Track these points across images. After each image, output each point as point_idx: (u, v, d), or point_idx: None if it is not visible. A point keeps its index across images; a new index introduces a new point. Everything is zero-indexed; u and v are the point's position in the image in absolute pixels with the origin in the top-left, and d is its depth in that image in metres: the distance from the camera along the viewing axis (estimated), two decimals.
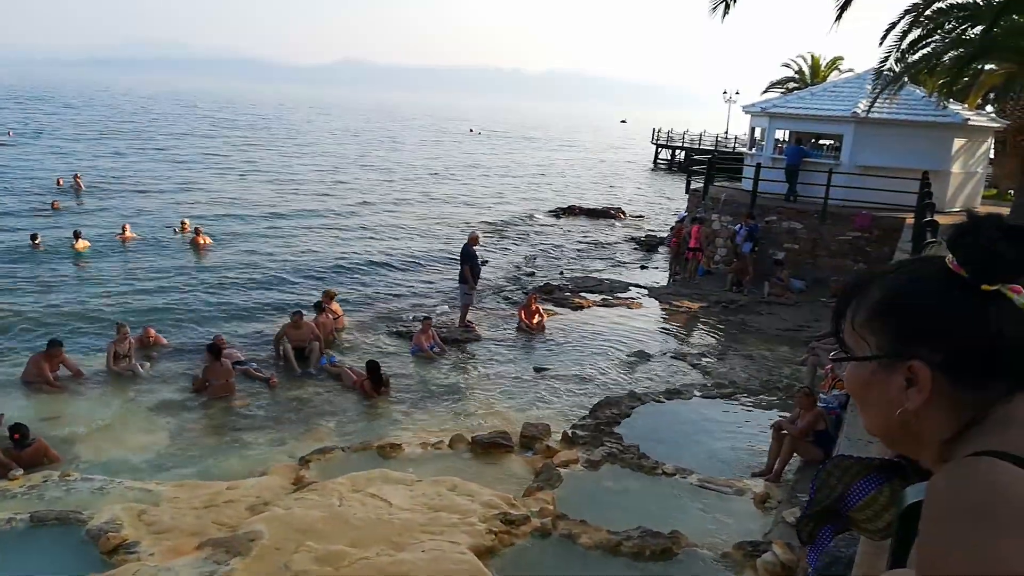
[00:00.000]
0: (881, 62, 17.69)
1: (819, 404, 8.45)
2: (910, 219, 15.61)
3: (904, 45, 17.35)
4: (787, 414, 9.40)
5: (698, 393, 11.00)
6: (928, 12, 16.86)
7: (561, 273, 19.33)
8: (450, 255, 19.45)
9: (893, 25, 17.02)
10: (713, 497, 7.87)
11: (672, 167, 56.70)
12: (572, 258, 21.80)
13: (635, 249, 23.66)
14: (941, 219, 10.98)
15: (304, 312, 12.46)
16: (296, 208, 26.78)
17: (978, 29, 17.16)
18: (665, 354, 12.87)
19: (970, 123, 19.56)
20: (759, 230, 17.94)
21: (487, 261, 15.56)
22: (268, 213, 25.28)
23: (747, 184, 19.98)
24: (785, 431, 8.38)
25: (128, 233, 19.60)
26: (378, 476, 7.69)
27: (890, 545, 1.11)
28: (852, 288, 1.15)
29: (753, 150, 22.31)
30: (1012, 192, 21.43)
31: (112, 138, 48.71)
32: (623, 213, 30.78)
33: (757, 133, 22.40)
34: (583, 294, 16.66)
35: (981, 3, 16.83)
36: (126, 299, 14.65)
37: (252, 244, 20.49)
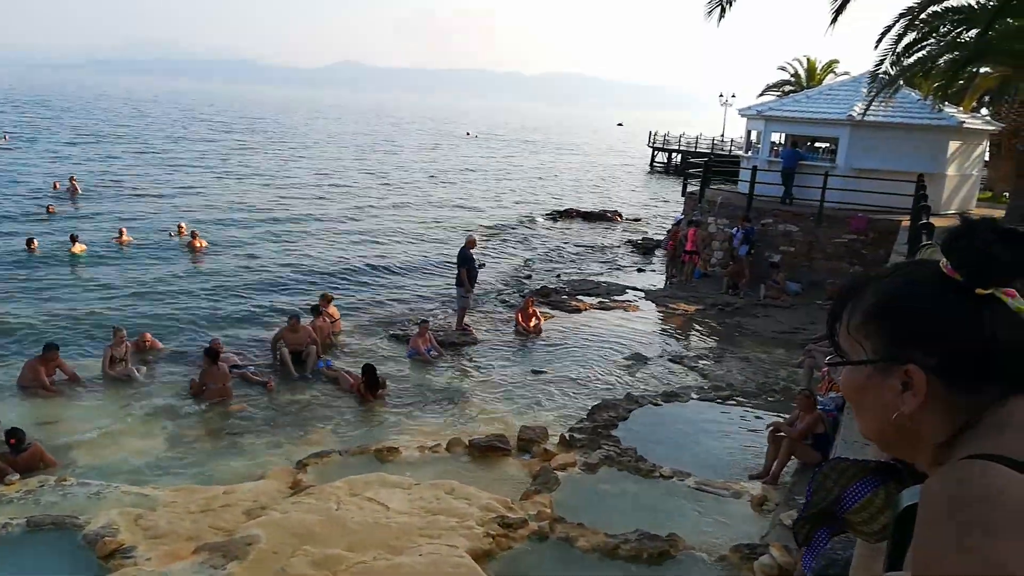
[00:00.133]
0: (876, 65, 17.75)
1: (817, 406, 8.46)
2: (906, 222, 15.66)
3: (899, 48, 17.41)
4: (785, 416, 9.41)
5: (695, 396, 11.01)
6: (923, 15, 16.92)
7: (558, 276, 19.35)
8: (447, 258, 19.45)
9: (888, 28, 17.08)
10: (710, 500, 7.87)
11: (668, 170, 56.79)
12: (569, 261, 21.81)
13: (632, 252, 23.69)
14: (936, 222, 11.00)
15: (301, 316, 12.45)
16: (293, 211, 26.76)
17: (973, 32, 17.21)
18: (662, 357, 12.88)
19: (965, 126, 19.63)
20: (755, 233, 17.97)
21: (484, 264, 15.56)
22: (265, 217, 25.25)
23: (743, 187, 20.02)
24: (782, 433, 8.39)
25: (125, 237, 19.57)
26: (375, 480, 7.69)
27: (886, 548, 1.11)
28: (847, 292, 1.15)
29: (749, 153, 22.36)
30: (1007, 195, 21.50)
31: (109, 141, 48.64)
32: (620, 216, 30.81)
33: (753, 136, 22.46)
34: (580, 297, 16.67)
35: (976, 7, 16.89)
36: (122, 303, 14.62)
37: (249, 248, 20.46)
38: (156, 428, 9.35)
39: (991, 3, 16.30)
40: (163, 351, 12.02)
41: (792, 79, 46.83)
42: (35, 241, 17.99)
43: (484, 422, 9.83)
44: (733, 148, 49.39)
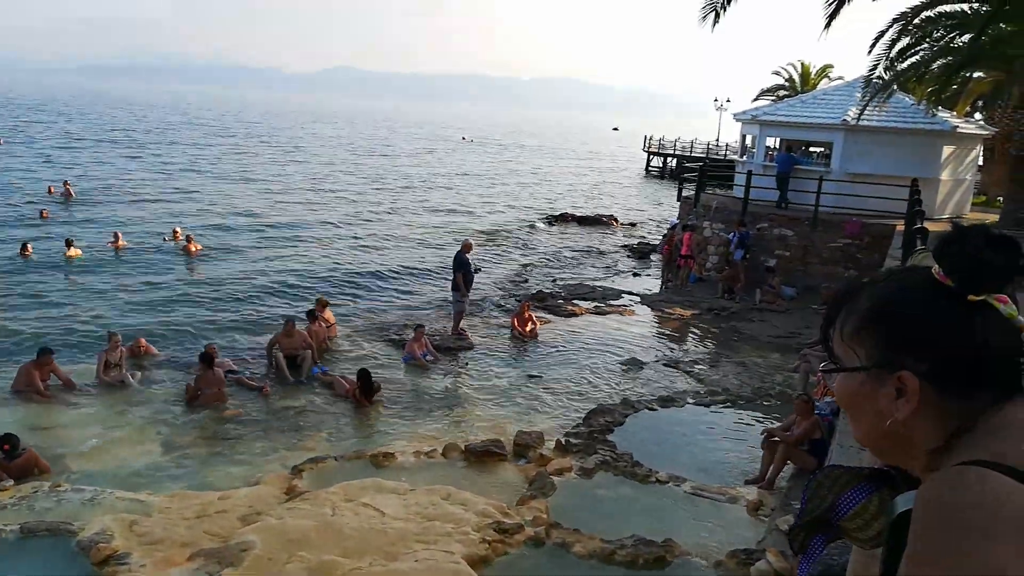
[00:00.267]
0: (870, 70, 17.85)
1: (815, 412, 8.47)
2: (900, 226, 15.71)
3: (893, 53, 17.51)
4: (780, 420, 9.42)
5: (691, 400, 11.01)
6: (917, 20, 17.03)
7: (554, 280, 19.35)
8: (443, 263, 19.45)
9: (882, 33, 17.18)
10: (706, 505, 7.87)
11: (664, 174, 56.92)
12: (565, 265, 21.83)
13: (627, 256, 23.71)
14: (931, 226, 11.05)
15: (296, 321, 12.43)
16: (288, 216, 26.75)
17: (966, 37, 17.32)
18: (658, 361, 12.89)
19: (959, 130, 19.71)
20: (750, 237, 18.00)
21: (480, 269, 15.56)
22: (260, 221, 25.23)
23: (738, 191, 20.07)
24: (777, 439, 8.39)
25: (120, 241, 19.54)
26: (371, 485, 7.66)
27: (881, 554, 1.11)
28: (840, 299, 1.16)
29: (744, 157, 22.42)
30: (1001, 199, 21.59)
31: (104, 146, 48.56)
32: (615, 220, 30.85)
33: (748, 141, 22.52)
34: (576, 301, 16.67)
35: (969, 12, 16.99)
36: (117, 308, 14.58)
37: (244, 252, 20.44)
38: (151, 433, 9.32)
39: (984, 8, 16.40)
40: (158, 356, 11.98)
41: (787, 84, 47.05)
42: (29, 246, 17.94)
43: (480, 427, 9.81)
44: (728, 152, 49.55)
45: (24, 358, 10.86)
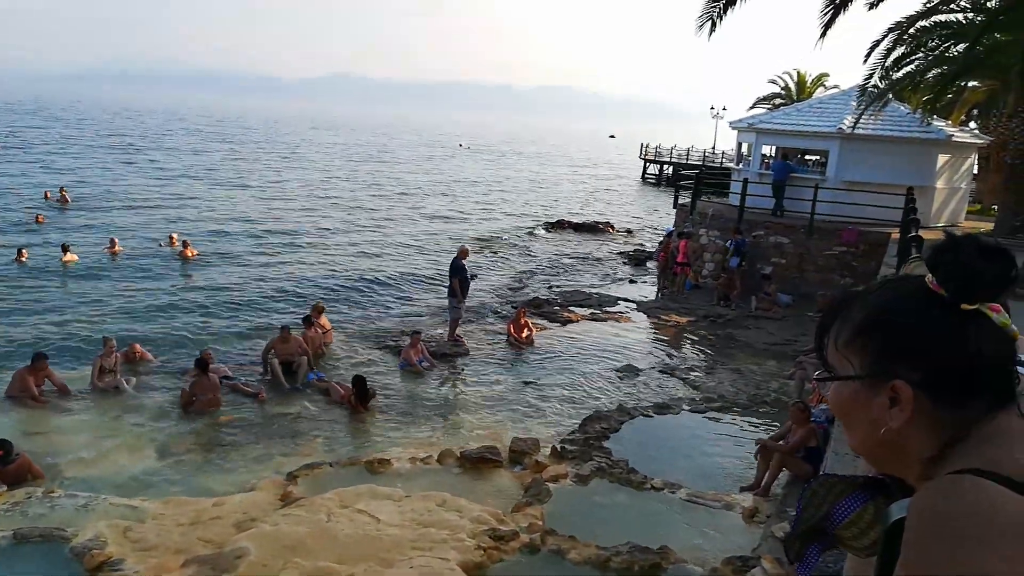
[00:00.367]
0: (866, 79, 17.93)
1: (810, 419, 8.46)
2: (895, 234, 15.76)
3: (888, 62, 17.60)
4: (776, 427, 9.43)
5: (687, 407, 11.01)
6: (912, 30, 17.12)
7: (550, 287, 19.36)
8: (439, 270, 19.45)
9: (877, 43, 17.26)
10: (702, 512, 7.86)
11: (660, 182, 57.05)
12: (561, 272, 21.84)
13: (624, 263, 23.74)
14: (926, 234, 11.10)
15: (291, 327, 12.41)
16: (285, 223, 26.74)
17: (961, 47, 17.42)
18: (654, 368, 12.89)
19: (954, 139, 19.80)
20: (746, 245, 18.04)
21: (476, 275, 15.56)
22: (257, 228, 25.22)
23: (734, 199, 20.12)
24: (771, 449, 8.38)
25: (116, 247, 19.50)
26: (366, 492, 7.64)
27: (876, 562, 1.12)
28: (834, 308, 1.16)
29: (740, 165, 22.48)
30: (996, 207, 21.68)
31: (101, 152, 48.52)
32: (612, 227, 30.89)
33: (744, 148, 22.59)
34: (572, 308, 16.68)
35: (964, 21, 17.10)
36: (113, 313, 14.55)
37: (240, 258, 20.42)
38: (145, 439, 9.28)
39: (979, 18, 16.50)
40: (153, 362, 11.95)
41: (782, 92, 47.22)
42: (24, 251, 17.90)
43: (476, 433, 9.80)
44: (724, 160, 49.69)
45: (19, 363, 10.83)
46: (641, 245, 27.07)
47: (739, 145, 23.23)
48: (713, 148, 59.74)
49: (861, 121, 18.73)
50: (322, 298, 15.98)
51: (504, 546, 6.79)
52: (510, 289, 19.03)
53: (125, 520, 7.06)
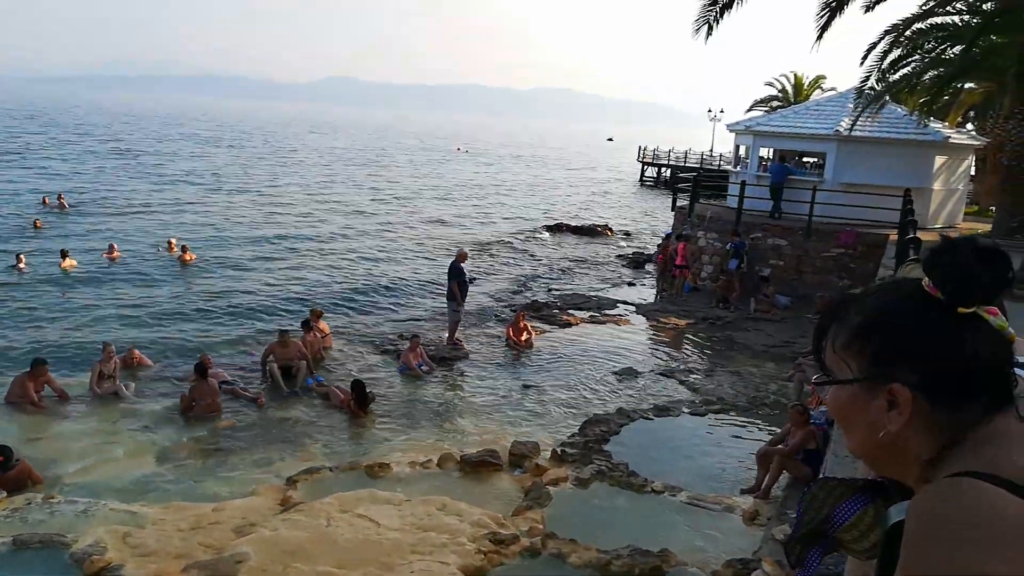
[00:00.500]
0: (863, 81, 17.97)
1: (810, 421, 8.47)
2: (893, 235, 15.79)
3: (885, 65, 17.64)
4: (776, 430, 9.42)
5: (686, 410, 11.02)
6: (908, 32, 17.16)
7: (549, 290, 19.37)
8: (437, 273, 19.44)
9: (874, 45, 17.31)
10: (702, 514, 7.86)
11: (658, 184, 57.09)
12: (560, 275, 21.84)
13: (623, 266, 23.74)
14: (923, 236, 11.12)
15: (290, 331, 12.40)
16: (284, 226, 26.73)
17: (957, 49, 17.46)
18: (653, 371, 12.89)
19: (951, 141, 19.84)
20: (744, 247, 18.06)
21: (475, 279, 15.56)
22: (256, 232, 25.21)
23: (732, 201, 20.15)
24: (770, 452, 8.38)
25: (115, 252, 19.49)
26: (366, 496, 7.64)
27: (876, 564, 1.12)
28: (831, 311, 1.17)
29: (738, 168, 22.51)
30: (993, 209, 21.71)
31: (98, 156, 48.49)
32: (610, 230, 30.91)
33: (742, 151, 22.63)
34: (571, 311, 16.69)
35: (960, 24, 17.15)
36: (112, 319, 14.54)
37: (239, 263, 20.40)
38: (144, 445, 9.27)
39: (975, 20, 16.55)
40: (152, 367, 11.94)
41: (780, 94, 47.31)
42: (23, 257, 17.87)
43: (475, 437, 9.79)
44: (722, 163, 49.75)
45: (18, 369, 10.82)
46: (640, 248, 27.08)
47: (737, 148, 23.27)
48: (711, 151, 59.83)
49: (858, 123, 18.76)
50: (321, 302, 15.98)
51: (504, 550, 6.79)
52: (509, 292, 19.02)
53: (125, 526, 7.06)
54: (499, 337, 14.44)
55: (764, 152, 22.02)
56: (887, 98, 18.85)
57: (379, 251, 23.79)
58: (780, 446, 8.46)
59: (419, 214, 33.37)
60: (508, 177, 59.08)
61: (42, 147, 51.72)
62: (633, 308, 17.49)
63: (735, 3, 15.09)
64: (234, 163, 51.53)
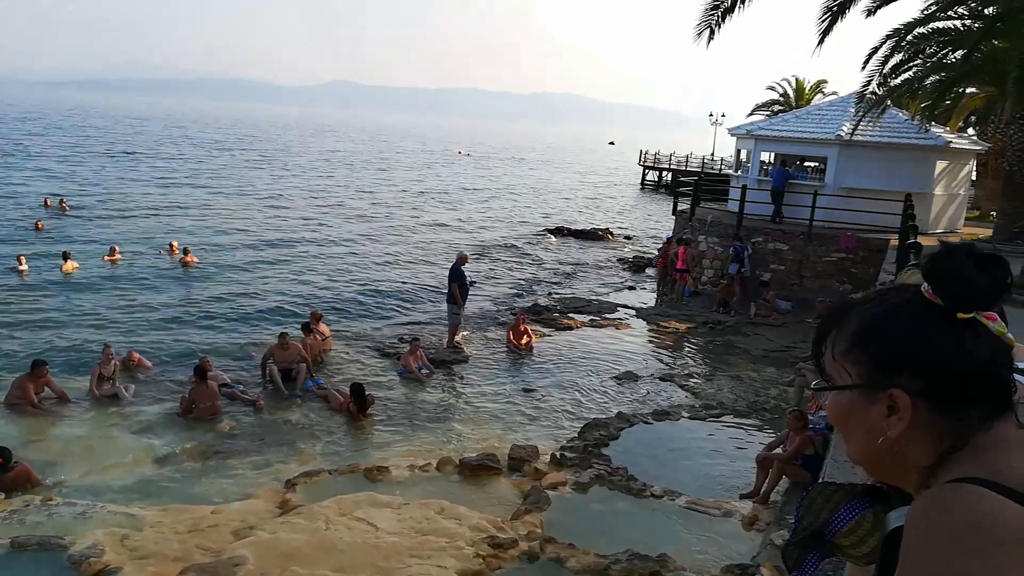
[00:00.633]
0: (864, 86, 17.98)
1: (808, 426, 8.46)
2: (894, 240, 15.79)
3: (886, 69, 17.65)
4: (776, 433, 9.41)
5: (686, 414, 11.00)
6: (910, 37, 17.17)
7: (549, 294, 19.36)
8: (438, 277, 19.45)
9: (875, 50, 17.32)
10: (701, 519, 7.85)
11: (659, 188, 57.13)
12: (560, 279, 21.84)
13: (623, 270, 23.74)
14: (924, 240, 11.11)
15: (290, 334, 12.40)
16: (285, 230, 26.74)
17: (959, 54, 17.47)
18: (653, 375, 12.88)
19: (952, 146, 19.84)
20: (745, 251, 18.06)
21: (475, 282, 15.55)
22: (257, 235, 25.22)
23: (733, 206, 20.15)
24: (769, 458, 8.37)
25: (117, 255, 19.50)
26: (365, 499, 7.63)
27: (874, 570, 1.11)
28: (831, 318, 1.16)
29: (739, 172, 22.52)
30: (994, 213, 21.71)
31: (100, 159, 48.56)
32: (611, 234, 30.92)
33: (743, 155, 22.64)
34: (571, 315, 16.68)
35: (962, 28, 17.16)
36: (112, 321, 14.53)
37: (240, 265, 20.41)
38: (143, 447, 9.26)
39: (977, 25, 16.56)
40: (151, 369, 11.94)
41: (781, 99, 47.38)
42: (23, 259, 17.87)
43: (474, 441, 9.78)
44: (723, 167, 49.78)
45: (18, 371, 10.82)
46: (640, 252, 27.09)
47: (738, 152, 23.27)
48: (712, 155, 59.89)
49: (859, 128, 18.77)
50: (321, 305, 15.98)
51: (503, 554, 6.78)
52: (509, 296, 19.02)
53: (123, 528, 7.05)
54: (499, 340, 14.44)
55: (765, 156, 22.03)
56: (888, 103, 18.86)
57: (380, 254, 23.79)
58: (777, 451, 8.45)
59: (420, 217, 33.39)
60: (510, 181, 59.13)
61: (43, 149, 51.80)
62: (633, 312, 17.48)
63: (737, 7, 15.11)
64: (236, 166, 51.60)
